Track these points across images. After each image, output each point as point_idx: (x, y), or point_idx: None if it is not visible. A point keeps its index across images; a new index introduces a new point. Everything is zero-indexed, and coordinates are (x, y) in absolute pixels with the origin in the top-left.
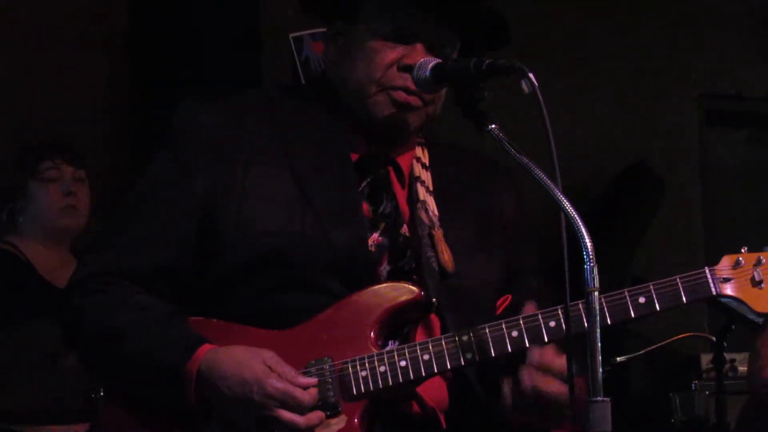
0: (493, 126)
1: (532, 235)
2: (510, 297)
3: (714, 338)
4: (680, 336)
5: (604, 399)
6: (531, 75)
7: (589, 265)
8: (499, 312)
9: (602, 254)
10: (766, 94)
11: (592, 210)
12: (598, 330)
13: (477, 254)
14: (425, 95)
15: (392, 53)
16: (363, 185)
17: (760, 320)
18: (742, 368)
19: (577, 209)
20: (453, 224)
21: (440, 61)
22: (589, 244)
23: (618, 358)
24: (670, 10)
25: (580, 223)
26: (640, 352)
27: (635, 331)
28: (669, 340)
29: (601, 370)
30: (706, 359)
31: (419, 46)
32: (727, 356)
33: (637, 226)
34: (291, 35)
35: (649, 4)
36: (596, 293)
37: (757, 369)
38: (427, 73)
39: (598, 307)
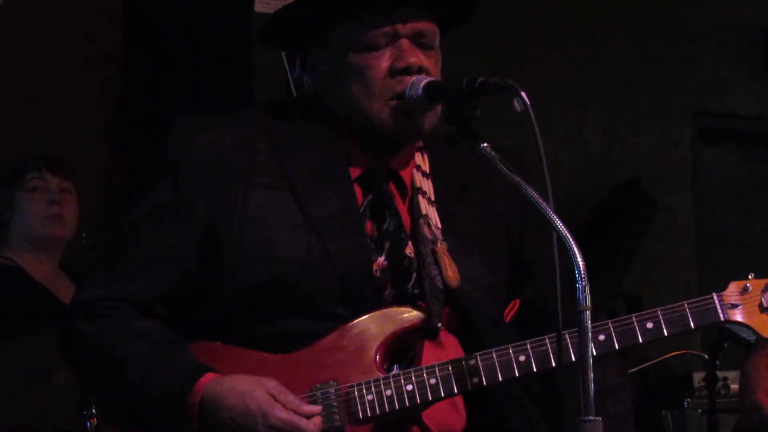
0: (485, 144)
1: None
2: (518, 302)
3: (706, 356)
4: (673, 354)
5: (596, 418)
6: (523, 93)
7: (581, 284)
8: (507, 320)
9: (594, 272)
10: (758, 112)
11: (584, 228)
12: (591, 348)
13: (480, 261)
14: (414, 95)
15: (382, 62)
16: (365, 203)
17: (752, 338)
18: (735, 386)
19: (569, 227)
20: (455, 232)
21: (432, 79)
22: (581, 263)
23: None
24: (664, 29)
25: (572, 242)
26: (633, 370)
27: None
28: (661, 358)
29: (593, 388)
30: (698, 377)
31: (404, 42)
32: (720, 374)
33: (629, 244)
34: (284, 52)
35: (643, 23)
36: (588, 312)
37: (748, 391)
38: (420, 91)
39: (590, 326)
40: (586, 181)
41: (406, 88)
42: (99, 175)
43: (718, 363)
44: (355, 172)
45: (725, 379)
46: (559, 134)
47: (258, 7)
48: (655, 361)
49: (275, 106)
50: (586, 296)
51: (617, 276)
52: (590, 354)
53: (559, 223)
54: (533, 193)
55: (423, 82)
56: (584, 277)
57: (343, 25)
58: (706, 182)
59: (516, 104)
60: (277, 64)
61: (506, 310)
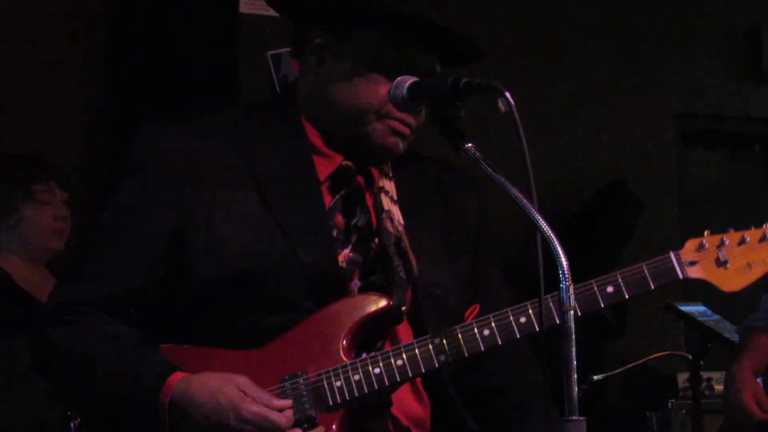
0: (470, 145)
1: (494, 243)
2: (478, 306)
3: (690, 357)
4: (657, 355)
5: (580, 418)
6: (507, 94)
7: (565, 284)
8: (468, 321)
9: (579, 274)
10: (743, 114)
11: (569, 229)
12: (574, 348)
13: (442, 263)
14: (413, 124)
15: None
16: (336, 198)
17: (736, 339)
18: (719, 387)
19: (553, 228)
20: (418, 233)
21: (417, 79)
22: (564, 263)
23: (595, 377)
24: (648, 30)
25: (556, 243)
26: (617, 371)
27: (612, 350)
28: (646, 359)
29: (576, 388)
30: (682, 378)
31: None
32: (704, 375)
33: (614, 245)
34: (269, 53)
35: (627, 24)
36: (572, 312)
37: (732, 393)
38: (404, 91)
39: (573, 327)
40: (571, 182)
41: (391, 89)
42: (81, 176)
43: (702, 364)
44: (326, 169)
45: (709, 379)
46: (544, 135)
47: (243, 8)
48: (639, 362)
49: (243, 108)
50: (569, 296)
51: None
52: (573, 353)
53: (542, 223)
54: (517, 193)
55: (408, 83)
56: (568, 277)
57: (370, 31)
58: (691, 184)
59: (500, 105)
60: (262, 65)
61: (467, 312)
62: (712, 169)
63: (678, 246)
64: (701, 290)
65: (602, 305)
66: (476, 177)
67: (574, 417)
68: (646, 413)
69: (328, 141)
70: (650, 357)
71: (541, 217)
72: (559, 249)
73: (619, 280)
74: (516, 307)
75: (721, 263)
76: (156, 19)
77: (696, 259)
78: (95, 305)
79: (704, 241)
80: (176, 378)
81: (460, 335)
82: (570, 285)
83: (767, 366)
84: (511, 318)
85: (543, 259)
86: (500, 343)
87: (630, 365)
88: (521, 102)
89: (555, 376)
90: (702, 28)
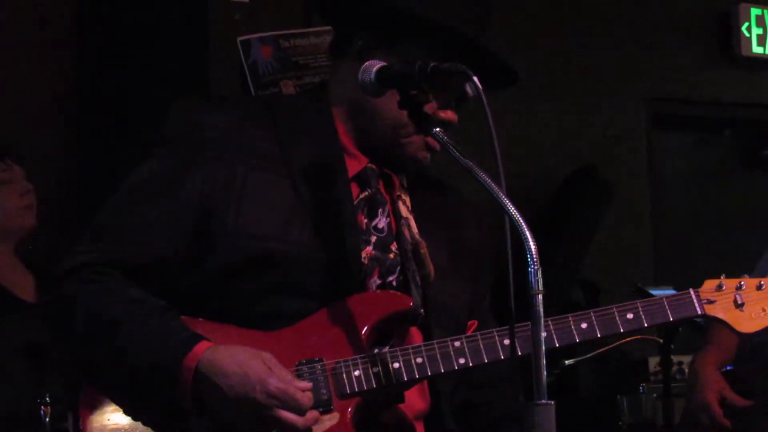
0: (437, 129)
1: (492, 267)
2: (477, 322)
3: (661, 341)
4: (628, 339)
5: (549, 402)
6: (475, 78)
7: (533, 268)
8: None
9: (550, 258)
10: (714, 98)
11: (540, 214)
12: (543, 333)
13: (449, 277)
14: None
15: (432, 105)
16: (360, 198)
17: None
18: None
19: (523, 213)
20: (429, 243)
21: (385, 64)
22: (533, 247)
23: (567, 361)
24: (619, 13)
25: (525, 227)
26: (589, 355)
27: None
28: (617, 343)
29: (547, 372)
30: (653, 362)
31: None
32: (675, 359)
33: (585, 230)
34: (239, 39)
35: (598, 7)
36: (540, 296)
37: (696, 391)
38: (372, 75)
39: (542, 310)
40: (540, 167)
41: (360, 74)
42: (52, 163)
43: (672, 347)
44: (353, 169)
45: (680, 363)
46: (513, 120)
47: None
48: (610, 346)
49: (276, 99)
50: (538, 280)
51: (574, 262)
52: (542, 338)
53: (511, 208)
54: (486, 178)
55: (376, 67)
56: (536, 261)
57: (417, 43)
58: (661, 168)
59: (468, 89)
60: (232, 51)
61: (467, 325)
62: (682, 153)
63: (647, 232)
64: (672, 274)
65: (621, 330)
66: (477, 206)
67: (542, 401)
68: (617, 397)
69: (358, 143)
70: (621, 341)
71: (511, 201)
72: (528, 233)
73: (640, 308)
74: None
75: (738, 305)
76: (125, 5)
77: (714, 299)
78: (119, 268)
79: (722, 283)
80: (203, 346)
81: (480, 342)
82: (538, 269)
83: (730, 361)
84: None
85: (511, 243)
86: (520, 353)
87: (601, 349)
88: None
89: (527, 361)
90: (673, 11)
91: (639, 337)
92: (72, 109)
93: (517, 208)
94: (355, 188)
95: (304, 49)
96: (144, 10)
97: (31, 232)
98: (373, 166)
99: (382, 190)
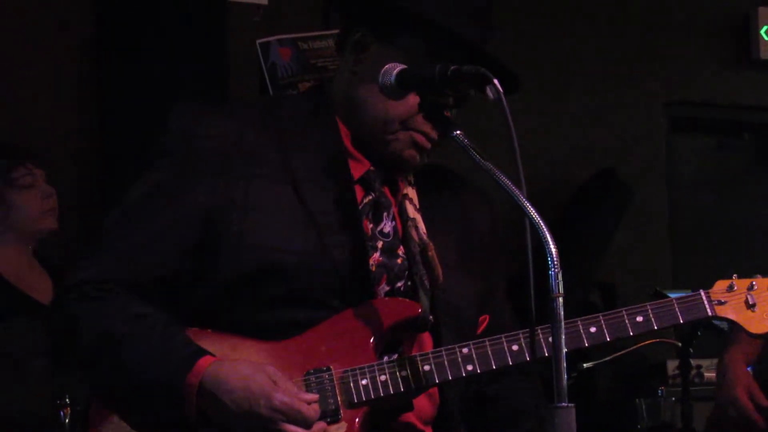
0: (458, 132)
1: (505, 258)
2: (488, 317)
3: (680, 344)
4: (647, 342)
5: (569, 405)
6: (496, 81)
7: (554, 271)
8: (479, 331)
9: (569, 261)
10: (733, 101)
11: (559, 217)
12: (563, 336)
13: (459, 272)
14: (436, 138)
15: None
16: (365, 202)
17: (725, 326)
18: (708, 374)
19: (543, 216)
20: (437, 241)
21: (405, 67)
22: (553, 250)
23: (585, 364)
24: (639, 17)
25: (545, 230)
26: (607, 358)
27: None
28: (636, 346)
29: (566, 375)
30: (672, 365)
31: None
32: (693, 362)
33: (603, 233)
34: (258, 41)
35: (618, 12)
36: (560, 299)
37: (725, 386)
38: (392, 78)
39: (562, 313)
40: (560, 170)
41: (380, 76)
42: (73, 166)
43: (692, 351)
44: (356, 172)
45: (699, 367)
46: (533, 123)
47: None
48: (629, 349)
49: (277, 100)
50: (558, 283)
51: (592, 265)
52: (563, 341)
53: (531, 210)
54: (506, 181)
55: (396, 70)
56: (557, 264)
57: (412, 39)
58: (680, 171)
59: (489, 92)
60: (251, 53)
61: (479, 320)
62: (701, 157)
63: (665, 235)
64: (690, 276)
65: (631, 333)
66: (489, 194)
67: (563, 404)
68: (635, 401)
69: (356, 143)
70: (640, 344)
71: (531, 204)
72: (548, 236)
73: (649, 311)
74: (546, 326)
75: (750, 306)
76: (145, 8)
77: (725, 299)
78: (122, 284)
79: (734, 283)
80: (207, 361)
81: (488, 348)
82: (559, 272)
83: (758, 355)
84: (541, 336)
85: (532, 246)
86: (528, 359)
87: (619, 353)
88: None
89: (546, 363)
90: (692, 15)
91: (658, 340)
92: (92, 111)
93: (538, 211)
94: (359, 191)
95: (323, 52)
96: (163, 13)
97: (50, 235)
98: (377, 168)
99: (387, 193)
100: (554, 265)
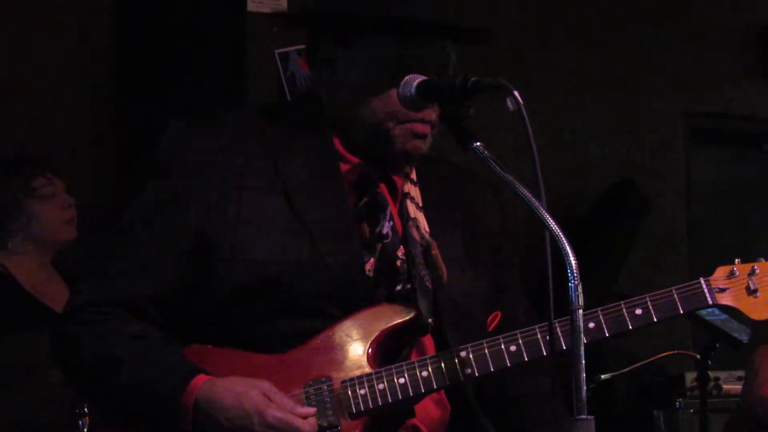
0: (478, 144)
1: (515, 250)
2: (500, 314)
3: (698, 356)
4: (665, 354)
5: (589, 417)
6: (516, 92)
7: (574, 283)
8: (490, 329)
9: (587, 272)
10: (751, 112)
11: (577, 228)
12: (583, 347)
13: (466, 269)
14: (433, 119)
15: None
16: (360, 204)
17: (744, 338)
18: (727, 386)
19: (562, 227)
20: (442, 238)
21: (426, 78)
22: (573, 262)
23: (603, 376)
24: (657, 28)
25: (565, 241)
26: (625, 370)
27: (620, 349)
28: (653, 358)
29: (585, 387)
30: (690, 377)
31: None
32: (711, 374)
33: (622, 244)
34: (276, 51)
35: (637, 22)
36: (580, 311)
37: (755, 386)
38: (413, 90)
39: (582, 325)
40: (579, 181)
41: (400, 88)
42: (90, 175)
43: (710, 363)
44: (349, 176)
45: (717, 379)
46: (552, 134)
47: (251, 7)
48: (647, 361)
49: (268, 109)
50: (578, 295)
51: (610, 277)
52: (582, 352)
53: (551, 222)
54: (526, 192)
55: (416, 81)
56: (576, 276)
57: (371, 39)
58: (699, 182)
59: (509, 103)
60: (270, 63)
61: (489, 319)
62: (720, 168)
63: (683, 246)
64: None
65: (630, 327)
66: (498, 185)
67: (582, 416)
68: (653, 412)
69: (349, 146)
70: (658, 356)
71: (550, 215)
72: (568, 248)
73: (649, 302)
74: (543, 324)
75: (751, 291)
76: (164, 17)
77: (726, 286)
78: (119, 305)
79: (735, 269)
80: (200, 380)
81: (486, 350)
82: (579, 284)
83: None
84: (539, 335)
85: (551, 258)
86: (526, 359)
87: (638, 364)
88: (529, 101)
89: (564, 375)
90: (711, 26)
91: (676, 352)
92: (109, 121)
93: (557, 222)
94: (354, 195)
95: None
96: (182, 23)
97: (69, 245)
98: (371, 170)
99: (384, 193)
100: (574, 277)
